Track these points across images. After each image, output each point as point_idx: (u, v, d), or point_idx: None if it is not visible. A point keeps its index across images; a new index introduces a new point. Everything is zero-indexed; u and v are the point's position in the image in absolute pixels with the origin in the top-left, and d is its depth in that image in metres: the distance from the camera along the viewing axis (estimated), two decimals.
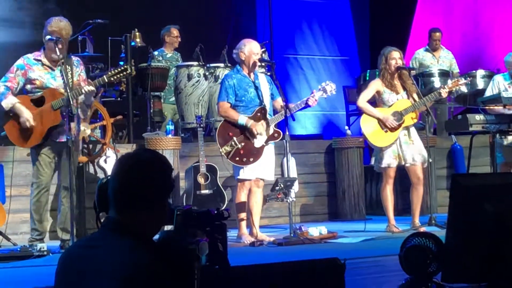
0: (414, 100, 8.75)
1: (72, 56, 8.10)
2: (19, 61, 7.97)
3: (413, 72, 10.24)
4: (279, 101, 8.49)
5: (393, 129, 8.71)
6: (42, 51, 7.98)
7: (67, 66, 7.81)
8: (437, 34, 12.39)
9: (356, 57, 15.17)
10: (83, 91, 7.79)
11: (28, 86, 7.90)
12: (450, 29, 14.26)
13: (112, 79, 8.09)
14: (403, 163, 8.75)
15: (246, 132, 8.26)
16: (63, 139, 7.84)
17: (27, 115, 7.78)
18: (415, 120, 8.82)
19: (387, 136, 8.73)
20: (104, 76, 8.03)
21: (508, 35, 13.70)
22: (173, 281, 2.41)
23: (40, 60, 7.94)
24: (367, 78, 11.95)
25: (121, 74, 8.05)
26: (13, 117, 7.85)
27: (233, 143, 8.25)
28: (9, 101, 7.80)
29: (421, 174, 8.79)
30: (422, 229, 8.24)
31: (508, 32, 13.78)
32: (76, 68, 7.95)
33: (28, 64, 7.93)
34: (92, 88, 7.90)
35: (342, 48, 15.18)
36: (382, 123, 8.73)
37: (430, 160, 8.90)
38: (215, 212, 2.66)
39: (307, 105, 8.46)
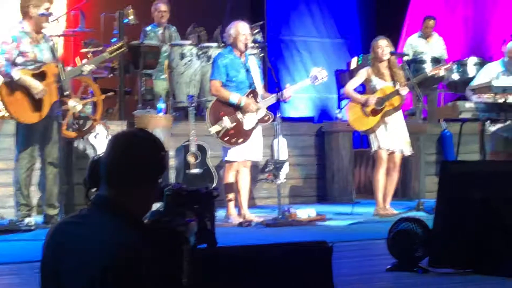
0: (400, 86, 8.75)
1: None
2: (13, 32, 7.63)
3: (405, 58, 10.23)
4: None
5: (374, 113, 8.75)
6: (25, 22, 7.66)
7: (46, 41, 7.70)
8: (431, 22, 12.43)
9: (358, 40, 14.89)
10: (83, 69, 7.73)
11: (20, 59, 7.60)
12: (451, 15, 14.23)
13: (112, 55, 8.04)
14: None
15: (238, 112, 8.24)
16: (50, 113, 7.72)
17: (41, 86, 7.53)
18: (398, 105, 8.79)
19: (368, 120, 8.79)
20: (104, 54, 7.96)
21: (508, 22, 13.60)
22: (160, 263, 2.42)
23: (28, 33, 7.65)
24: (359, 62, 11.92)
25: (119, 51, 7.98)
26: (16, 90, 7.54)
27: (223, 123, 8.23)
28: (18, 73, 7.51)
29: (398, 161, 8.85)
30: (390, 212, 8.60)
31: (507, 20, 13.68)
32: (50, 43, 7.80)
33: (19, 35, 7.62)
34: (93, 66, 7.85)
35: (343, 30, 14.86)
36: (364, 106, 8.77)
37: (411, 152, 8.94)
38: (204, 191, 2.68)
39: (281, 101, 8.38)
